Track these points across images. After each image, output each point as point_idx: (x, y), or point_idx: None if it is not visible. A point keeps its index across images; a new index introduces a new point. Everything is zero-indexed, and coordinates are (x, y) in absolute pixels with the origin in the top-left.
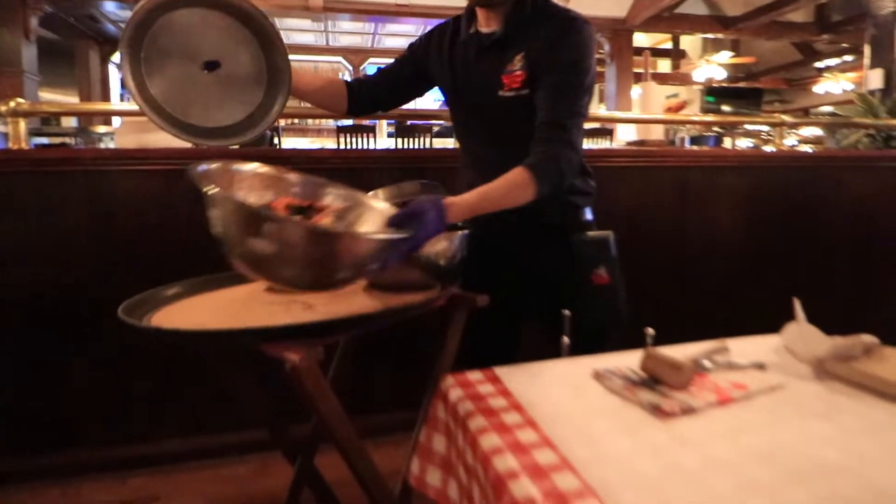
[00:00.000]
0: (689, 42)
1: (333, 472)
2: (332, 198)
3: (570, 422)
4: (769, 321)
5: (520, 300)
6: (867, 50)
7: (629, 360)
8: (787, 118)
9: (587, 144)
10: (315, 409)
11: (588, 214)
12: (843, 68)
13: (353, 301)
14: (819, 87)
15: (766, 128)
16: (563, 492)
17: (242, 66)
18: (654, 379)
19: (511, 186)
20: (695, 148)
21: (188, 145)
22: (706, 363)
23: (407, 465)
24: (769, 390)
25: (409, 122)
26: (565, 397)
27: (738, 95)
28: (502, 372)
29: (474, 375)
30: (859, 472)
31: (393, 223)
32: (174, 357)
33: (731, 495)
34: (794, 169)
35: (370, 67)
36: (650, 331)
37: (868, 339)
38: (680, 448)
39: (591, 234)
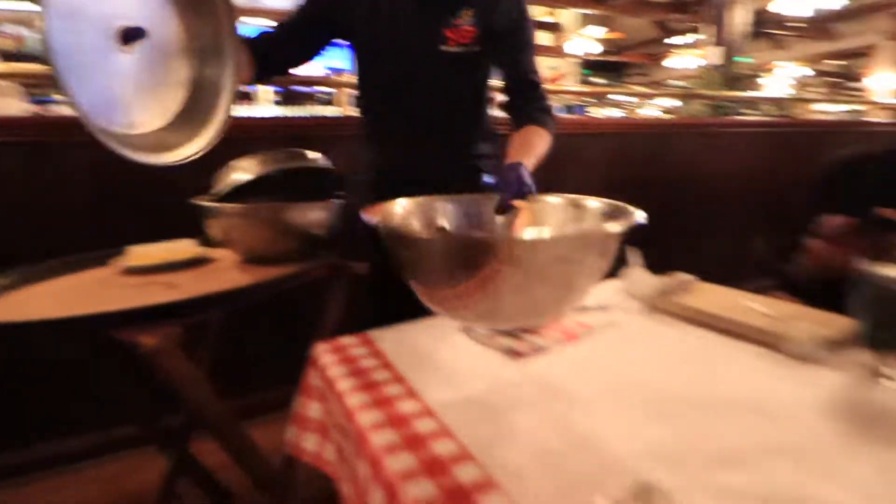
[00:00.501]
0: (569, 17)
1: (215, 457)
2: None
3: (436, 372)
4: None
5: None
6: (709, 29)
7: None
8: (640, 89)
9: None
10: (180, 392)
11: (488, 179)
12: (693, 45)
13: (222, 277)
14: (673, 62)
15: (632, 98)
16: (421, 434)
17: (170, 34)
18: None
19: (545, 141)
20: (563, 116)
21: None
22: None
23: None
24: (609, 326)
25: (292, 89)
26: (434, 351)
27: (609, 69)
28: (376, 334)
29: (347, 340)
30: (680, 390)
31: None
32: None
33: (562, 415)
34: (646, 135)
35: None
36: None
37: (685, 277)
38: (528, 382)
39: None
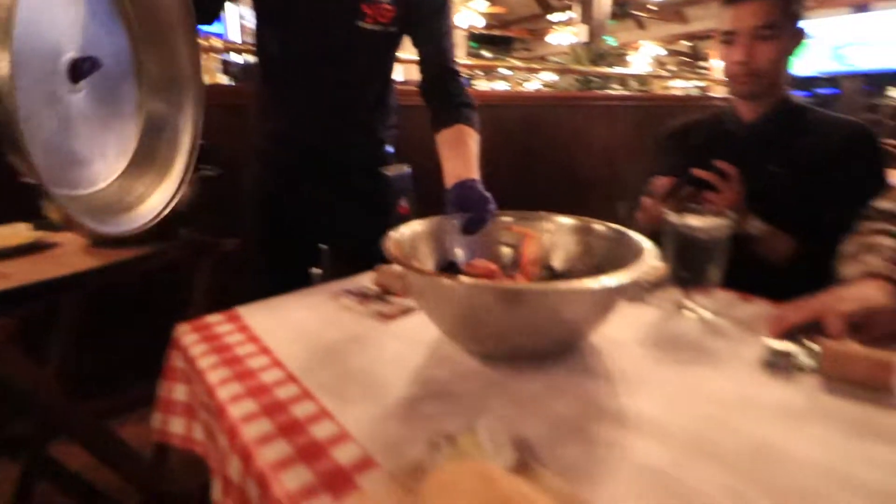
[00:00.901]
0: None
1: (80, 459)
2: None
3: (303, 340)
4: None
5: (328, 234)
6: (579, 8)
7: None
8: (519, 63)
9: None
10: (17, 392)
11: (390, 149)
12: (568, 23)
13: (62, 262)
14: (553, 38)
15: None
16: (281, 400)
17: (122, 66)
18: (385, 291)
19: (477, 143)
20: None
21: None
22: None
23: None
24: None
25: None
26: (303, 321)
27: (496, 42)
28: (244, 310)
29: (213, 318)
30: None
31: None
32: None
33: (421, 367)
34: (526, 106)
35: None
36: None
37: None
38: (393, 340)
39: (394, 167)
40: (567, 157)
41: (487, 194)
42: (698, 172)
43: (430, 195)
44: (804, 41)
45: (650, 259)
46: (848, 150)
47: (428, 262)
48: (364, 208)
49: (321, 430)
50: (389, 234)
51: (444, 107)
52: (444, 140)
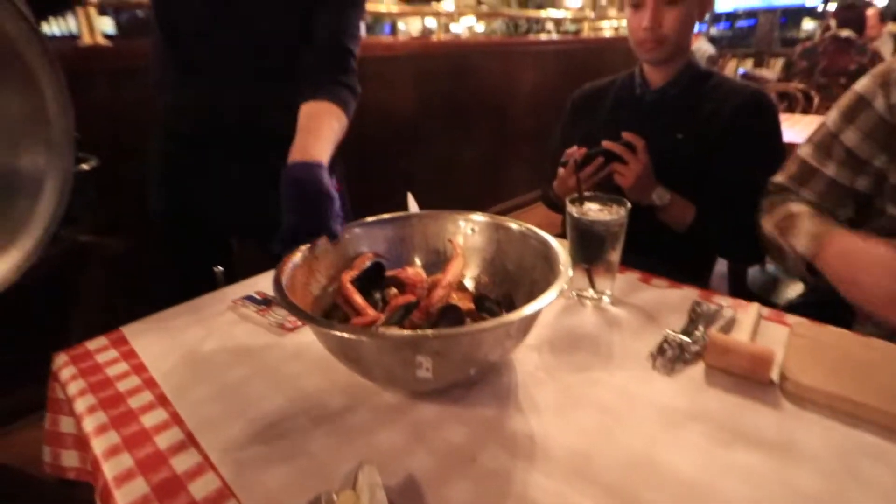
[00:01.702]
0: None
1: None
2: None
3: (195, 362)
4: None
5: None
6: None
7: None
8: (442, 8)
9: None
10: None
11: None
12: None
13: None
14: None
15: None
16: (161, 451)
17: None
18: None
19: (340, 126)
20: (368, 38)
21: None
22: None
23: None
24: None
25: None
26: (196, 338)
27: None
28: (131, 330)
29: (95, 343)
30: None
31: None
32: None
33: (313, 393)
34: (454, 55)
35: None
36: None
37: None
38: (289, 359)
39: None
40: (496, 106)
41: (333, 192)
42: (607, 144)
43: (366, 171)
44: (710, 6)
45: (563, 276)
46: (746, 117)
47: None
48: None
49: (202, 489)
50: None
51: (317, 81)
52: (305, 112)
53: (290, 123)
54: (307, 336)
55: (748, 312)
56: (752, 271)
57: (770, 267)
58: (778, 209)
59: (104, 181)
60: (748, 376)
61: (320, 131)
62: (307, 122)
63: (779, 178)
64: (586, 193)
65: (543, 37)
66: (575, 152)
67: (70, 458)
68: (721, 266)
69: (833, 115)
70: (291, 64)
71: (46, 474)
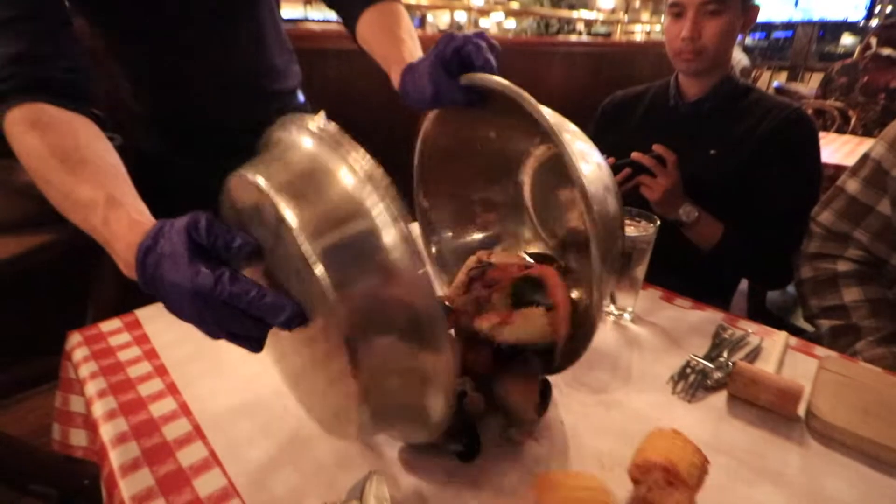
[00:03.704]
0: None
1: None
2: None
3: (208, 352)
4: None
5: None
6: None
7: None
8: (474, 3)
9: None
10: None
11: (301, 99)
12: None
13: None
14: None
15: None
16: (168, 443)
17: None
18: None
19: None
20: None
21: None
22: None
23: None
24: None
25: None
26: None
27: None
28: (145, 314)
29: (109, 325)
30: None
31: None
32: None
33: None
34: None
35: None
36: None
37: None
38: None
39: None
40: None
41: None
42: (637, 156)
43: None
44: (754, 19)
45: None
46: (784, 136)
47: None
48: None
49: (207, 485)
50: None
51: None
52: (372, 23)
53: (258, 101)
54: None
55: (776, 341)
56: (771, 293)
57: (790, 288)
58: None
59: (129, 158)
60: (774, 410)
61: (410, 36)
62: (388, 32)
63: (826, 216)
64: None
65: (573, 38)
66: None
67: (78, 437)
68: (741, 283)
69: (880, 148)
70: (252, 36)
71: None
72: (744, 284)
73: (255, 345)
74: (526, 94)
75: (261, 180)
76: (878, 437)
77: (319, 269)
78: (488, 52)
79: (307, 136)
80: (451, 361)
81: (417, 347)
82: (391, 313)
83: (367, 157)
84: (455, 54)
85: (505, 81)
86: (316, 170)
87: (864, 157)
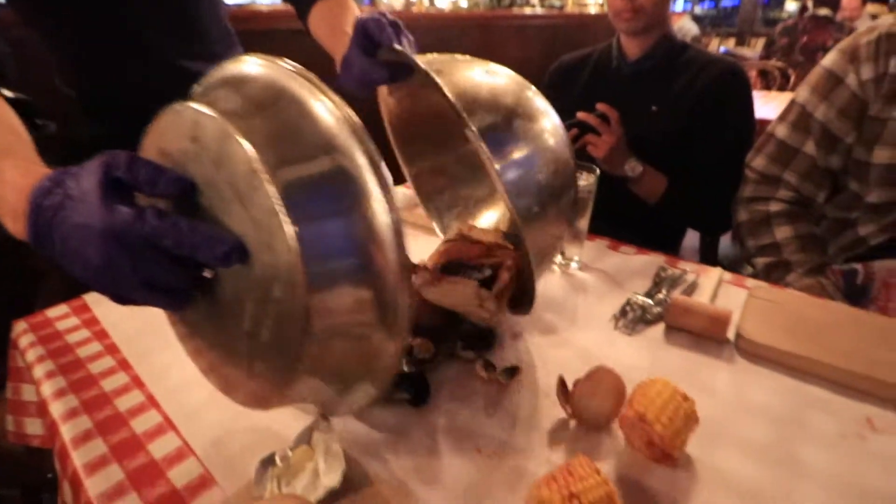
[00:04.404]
0: None
1: None
2: None
3: (160, 328)
4: None
5: None
6: None
7: None
8: None
9: None
10: None
11: None
12: None
13: None
14: None
15: None
16: (122, 413)
17: None
18: None
19: None
20: None
21: None
22: None
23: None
24: None
25: None
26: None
27: None
28: (93, 298)
29: (56, 311)
30: None
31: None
32: None
33: None
34: (435, 29)
35: None
36: None
37: None
38: None
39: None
40: None
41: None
42: (582, 116)
43: None
44: None
45: None
46: (719, 90)
47: None
48: None
49: (161, 448)
50: None
51: None
52: (322, 17)
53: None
54: None
55: (710, 277)
56: (724, 245)
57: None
58: (756, 217)
59: (63, 147)
60: (706, 335)
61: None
62: (334, 23)
63: (759, 161)
64: None
65: (527, 10)
66: None
67: (34, 426)
68: (693, 241)
69: (804, 93)
70: (183, 19)
71: (11, 443)
72: (696, 240)
73: (179, 298)
74: (420, 62)
75: (204, 108)
76: (799, 350)
77: (272, 191)
78: (388, 26)
79: (270, 68)
80: (406, 328)
81: (377, 307)
82: (352, 263)
83: (343, 103)
84: (363, 34)
85: (399, 47)
86: (281, 98)
87: (791, 103)
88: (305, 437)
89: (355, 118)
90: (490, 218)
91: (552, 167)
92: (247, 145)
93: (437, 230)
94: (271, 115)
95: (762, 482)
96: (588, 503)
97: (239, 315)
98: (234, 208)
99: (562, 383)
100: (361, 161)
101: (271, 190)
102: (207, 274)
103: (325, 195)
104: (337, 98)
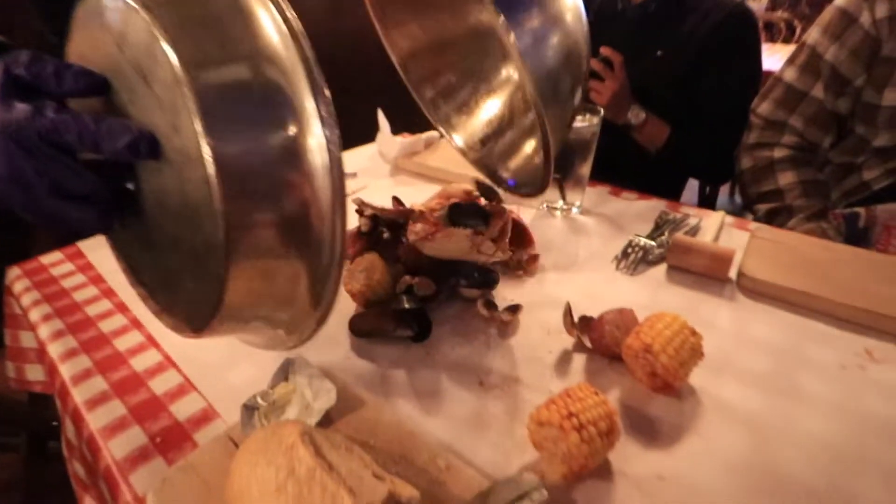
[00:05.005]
0: None
1: None
2: None
3: None
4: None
5: None
6: None
7: None
8: None
9: None
10: None
11: None
12: None
13: None
14: None
15: None
16: (121, 353)
17: None
18: None
19: None
20: None
21: None
22: None
23: None
24: (351, 194)
25: None
26: None
27: None
28: (88, 245)
29: (50, 258)
30: None
31: None
32: None
33: None
34: None
35: None
36: None
37: (432, 134)
38: None
39: None
40: None
41: None
42: (606, 55)
43: None
44: None
45: None
46: (727, 32)
47: None
48: None
49: (164, 384)
50: None
51: None
52: None
53: None
54: None
55: (713, 219)
56: (721, 200)
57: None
58: (760, 163)
59: None
60: (708, 274)
61: None
62: None
63: (765, 107)
64: None
65: None
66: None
67: (34, 372)
68: (691, 196)
69: (815, 34)
70: None
71: (12, 391)
72: (695, 195)
73: (98, 212)
74: None
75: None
76: (800, 286)
77: (171, 55)
78: None
79: None
80: (340, 255)
81: (304, 234)
82: (276, 182)
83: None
84: None
85: None
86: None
87: (801, 44)
88: (282, 375)
89: (303, 33)
90: (492, 108)
91: (568, 41)
92: (144, 12)
93: (433, 121)
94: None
95: (763, 410)
96: (587, 420)
97: (162, 227)
98: (140, 92)
99: (569, 310)
100: (301, 81)
101: (170, 53)
102: (130, 186)
103: (248, 105)
104: (291, 13)
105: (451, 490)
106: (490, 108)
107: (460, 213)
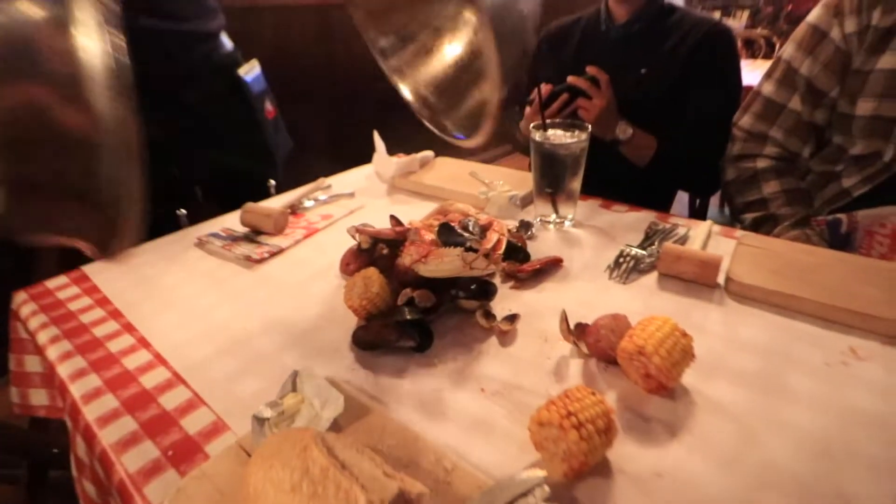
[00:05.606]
0: None
1: None
2: None
3: (162, 293)
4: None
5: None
6: None
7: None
8: None
9: None
10: None
11: (228, 42)
12: None
13: None
14: None
15: None
16: (130, 372)
17: None
18: (255, 231)
19: None
20: None
21: None
22: (306, 202)
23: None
24: (349, 213)
25: None
26: (162, 272)
27: None
28: (92, 268)
29: (55, 282)
30: None
31: None
32: None
33: (284, 315)
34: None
35: None
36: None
37: (426, 154)
38: (257, 287)
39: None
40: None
41: None
42: (572, 80)
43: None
44: None
45: None
46: (707, 50)
47: None
48: (223, 124)
49: (172, 400)
50: None
51: None
52: None
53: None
54: (275, 267)
55: (700, 228)
56: (711, 212)
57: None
58: (744, 174)
59: None
60: (697, 280)
61: None
62: None
63: (746, 120)
64: (549, 121)
65: None
66: (544, 89)
67: (38, 397)
68: (681, 207)
69: (790, 49)
70: None
71: (15, 417)
72: (685, 208)
73: None
74: None
75: None
76: (786, 289)
77: None
78: None
79: None
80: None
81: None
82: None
83: None
84: None
85: None
86: None
87: (777, 60)
88: (289, 386)
89: None
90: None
91: None
92: None
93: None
94: None
95: (753, 407)
96: (585, 419)
97: None
98: None
99: (565, 318)
100: None
101: None
102: None
103: None
104: None
105: (457, 490)
106: (445, 54)
107: (449, 233)
